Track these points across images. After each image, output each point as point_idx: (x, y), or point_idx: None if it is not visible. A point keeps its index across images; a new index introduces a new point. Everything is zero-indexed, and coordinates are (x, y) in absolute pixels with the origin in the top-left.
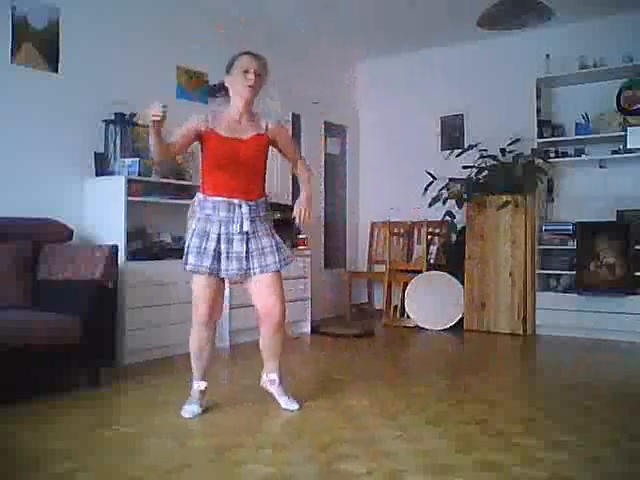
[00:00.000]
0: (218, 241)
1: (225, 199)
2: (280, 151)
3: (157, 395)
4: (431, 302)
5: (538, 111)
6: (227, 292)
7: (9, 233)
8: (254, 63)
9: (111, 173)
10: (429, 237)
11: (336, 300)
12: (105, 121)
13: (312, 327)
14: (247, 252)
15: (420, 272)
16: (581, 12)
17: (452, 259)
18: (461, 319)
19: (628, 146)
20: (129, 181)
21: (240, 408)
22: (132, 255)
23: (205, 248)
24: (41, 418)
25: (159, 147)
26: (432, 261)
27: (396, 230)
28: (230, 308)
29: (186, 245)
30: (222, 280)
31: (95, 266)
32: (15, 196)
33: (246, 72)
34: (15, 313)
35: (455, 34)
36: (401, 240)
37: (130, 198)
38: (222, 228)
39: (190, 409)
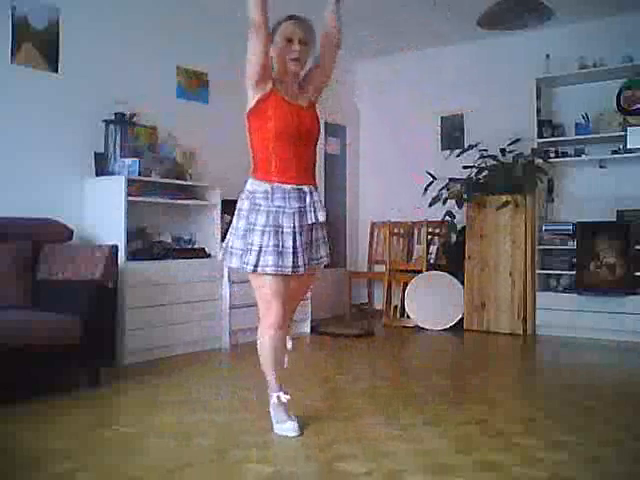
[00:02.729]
0: (294, 235)
1: (295, 186)
2: (324, 72)
3: (157, 395)
4: (431, 302)
5: (538, 111)
6: (227, 292)
7: (9, 233)
8: (299, 30)
9: (111, 173)
10: (429, 237)
11: (336, 300)
12: (105, 121)
13: (312, 327)
14: (311, 242)
15: (420, 272)
16: (581, 12)
17: (452, 259)
18: (461, 319)
19: (628, 146)
20: (129, 181)
21: (240, 408)
22: (132, 255)
23: (284, 246)
24: (41, 418)
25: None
26: (432, 261)
27: (396, 230)
28: (230, 308)
29: (251, 243)
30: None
31: (95, 266)
32: (15, 196)
33: (290, 41)
34: (15, 313)
35: (455, 34)
36: (401, 240)
37: (130, 198)
38: (296, 220)
39: (290, 427)
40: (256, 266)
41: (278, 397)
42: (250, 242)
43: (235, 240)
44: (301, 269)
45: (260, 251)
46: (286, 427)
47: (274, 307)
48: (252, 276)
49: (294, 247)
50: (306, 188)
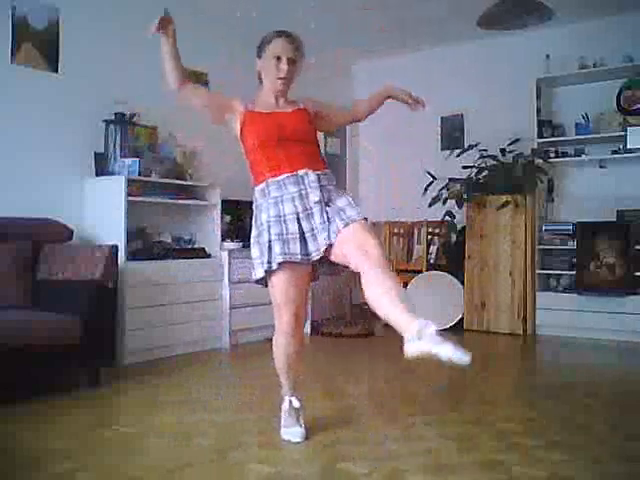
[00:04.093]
0: (298, 221)
1: (289, 174)
2: (327, 126)
3: (157, 395)
4: (431, 302)
5: (538, 111)
6: (227, 292)
7: (9, 233)
8: (288, 48)
9: (111, 173)
10: (429, 237)
11: (336, 300)
12: (105, 121)
13: (312, 327)
14: (328, 219)
15: (420, 272)
16: (581, 12)
17: (452, 259)
18: (461, 319)
19: (628, 146)
20: (129, 181)
21: (240, 408)
22: (132, 255)
23: (288, 232)
24: (41, 418)
25: (169, 61)
26: (432, 261)
27: (396, 230)
28: (230, 308)
29: (263, 243)
30: (307, 273)
31: (95, 266)
32: (15, 196)
33: (278, 59)
34: (15, 313)
35: (455, 34)
36: (401, 240)
37: (130, 198)
38: (298, 205)
39: (295, 432)
40: (270, 262)
41: (290, 401)
42: (262, 243)
43: (252, 250)
44: (314, 254)
45: (270, 246)
46: (292, 432)
47: (283, 314)
48: (269, 277)
49: (301, 232)
50: (301, 172)
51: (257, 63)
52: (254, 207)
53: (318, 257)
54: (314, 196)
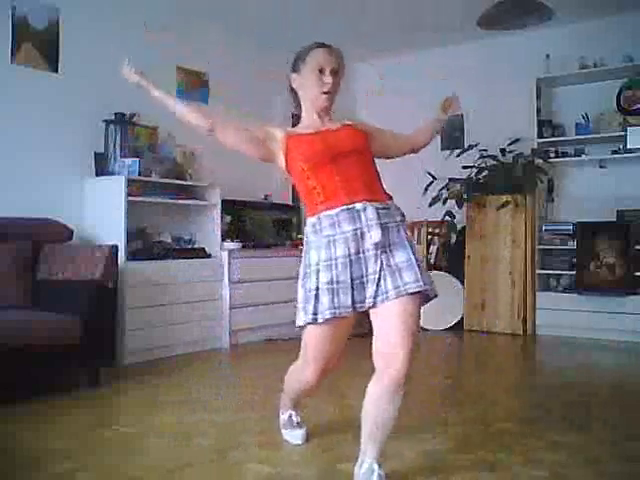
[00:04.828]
0: (350, 265)
1: (344, 207)
2: (383, 149)
3: (157, 395)
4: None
5: (538, 111)
6: (227, 292)
7: (9, 233)
8: (330, 59)
9: (111, 173)
10: (429, 237)
11: None
12: (105, 121)
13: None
14: (380, 271)
15: None
16: (581, 12)
17: (452, 259)
18: (461, 319)
19: (628, 146)
20: (129, 181)
21: (240, 408)
22: (132, 255)
23: (339, 281)
24: (41, 418)
25: (178, 110)
26: (432, 261)
27: None
28: (230, 308)
29: (309, 289)
30: (351, 324)
31: (95, 266)
32: (15, 196)
33: (321, 72)
34: (15, 313)
35: (455, 34)
36: None
37: (130, 198)
38: (351, 247)
39: (296, 434)
40: (316, 314)
41: (290, 416)
42: (309, 288)
43: (298, 292)
44: (366, 302)
45: (317, 294)
46: (293, 434)
47: (309, 367)
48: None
49: (351, 279)
50: (359, 205)
51: (293, 80)
52: (304, 241)
53: (362, 310)
54: (373, 237)
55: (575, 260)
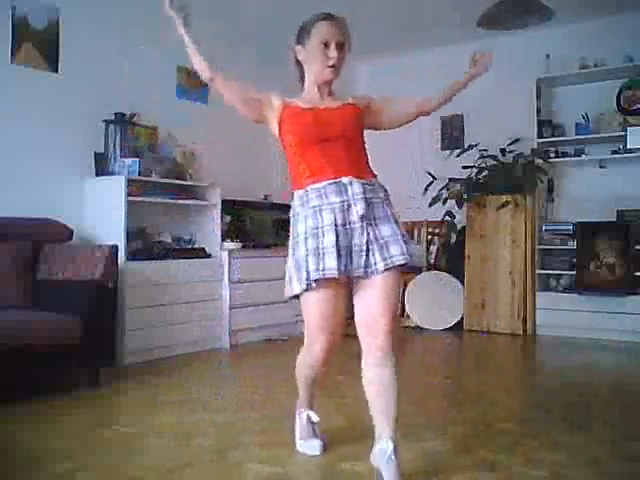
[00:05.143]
0: (336, 234)
1: (331, 180)
2: (381, 119)
3: (157, 395)
4: (431, 302)
5: (538, 111)
6: (227, 292)
7: (9, 233)
8: (335, 32)
9: (111, 173)
10: (429, 237)
11: None
12: (105, 121)
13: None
14: (367, 244)
15: (420, 272)
16: (581, 12)
17: (452, 259)
18: (461, 319)
19: (628, 146)
20: (129, 181)
21: (240, 408)
22: (132, 255)
23: (324, 246)
24: (41, 418)
25: (190, 52)
26: (432, 261)
27: None
28: (230, 308)
29: (298, 258)
30: (344, 295)
31: (95, 266)
32: (15, 196)
33: (326, 46)
34: (15, 313)
35: (455, 34)
36: None
37: (130, 198)
38: (338, 218)
39: (313, 445)
40: (308, 279)
41: (308, 415)
42: (298, 258)
43: (288, 262)
44: (355, 272)
45: (307, 260)
46: (309, 445)
47: (316, 340)
48: (303, 295)
49: (337, 245)
50: (345, 179)
51: (298, 52)
52: (291, 214)
53: (347, 274)
54: (358, 210)
55: (575, 260)
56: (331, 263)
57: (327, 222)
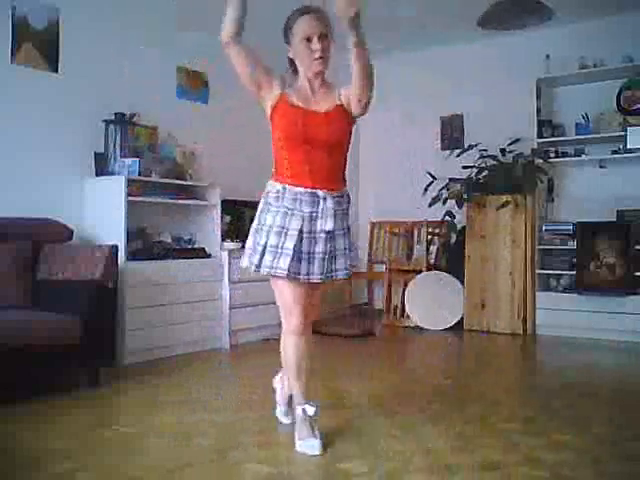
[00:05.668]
0: (300, 240)
1: (309, 190)
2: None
3: (157, 395)
4: (431, 302)
5: (538, 111)
6: (227, 292)
7: (9, 233)
8: (316, 24)
9: (111, 173)
10: (429, 237)
11: (336, 300)
12: (105, 121)
13: (312, 327)
14: (331, 252)
15: (420, 272)
16: (581, 12)
17: (452, 259)
18: (461, 319)
19: (628, 146)
20: (129, 181)
21: (240, 408)
22: (132, 255)
23: (283, 247)
24: (41, 418)
25: (231, 8)
26: (432, 261)
27: (396, 230)
28: (230, 308)
29: (258, 242)
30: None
31: (95, 266)
32: (15, 196)
33: (309, 40)
34: (15, 313)
35: (455, 34)
36: (401, 240)
37: (130, 198)
38: (304, 225)
39: (312, 445)
40: (259, 267)
41: (303, 410)
42: (257, 242)
43: (249, 239)
44: (303, 277)
45: (264, 251)
46: (308, 444)
47: (290, 308)
48: (272, 279)
49: (295, 250)
50: (321, 193)
51: (288, 50)
52: (263, 200)
53: (307, 282)
54: (326, 225)
55: (575, 260)
56: (285, 264)
57: (294, 227)
